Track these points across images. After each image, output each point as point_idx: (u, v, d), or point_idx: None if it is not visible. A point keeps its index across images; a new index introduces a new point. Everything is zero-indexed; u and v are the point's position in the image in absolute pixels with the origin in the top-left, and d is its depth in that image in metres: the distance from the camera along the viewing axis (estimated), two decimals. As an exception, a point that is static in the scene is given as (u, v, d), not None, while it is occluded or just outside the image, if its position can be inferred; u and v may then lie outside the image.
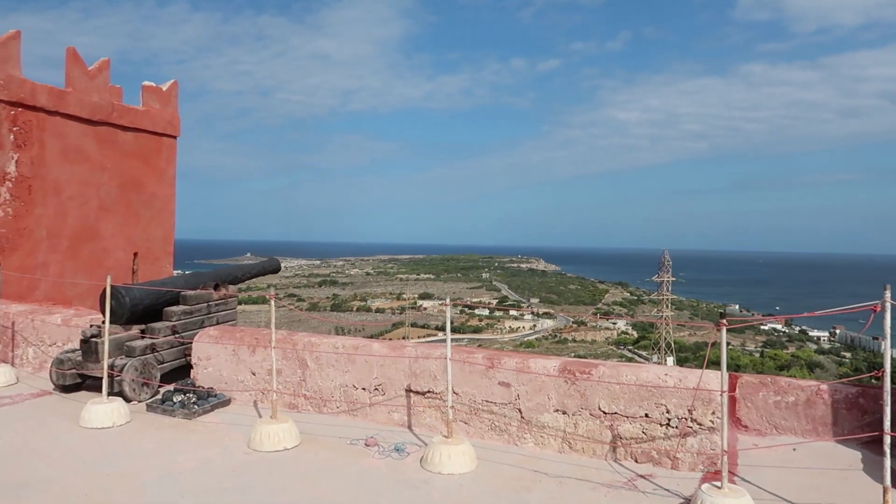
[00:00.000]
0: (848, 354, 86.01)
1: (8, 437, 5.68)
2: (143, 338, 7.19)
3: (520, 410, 5.61)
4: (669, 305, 77.48)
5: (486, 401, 5.74)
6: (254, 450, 5.44)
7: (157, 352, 7.15)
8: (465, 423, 5.81)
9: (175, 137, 11.72)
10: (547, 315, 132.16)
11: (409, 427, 6.03)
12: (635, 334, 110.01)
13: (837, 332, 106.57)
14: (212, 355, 6.97)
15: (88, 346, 6.92)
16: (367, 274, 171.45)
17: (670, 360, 74.55)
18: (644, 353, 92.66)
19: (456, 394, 5.86)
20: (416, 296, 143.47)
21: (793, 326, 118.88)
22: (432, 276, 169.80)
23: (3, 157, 8.92)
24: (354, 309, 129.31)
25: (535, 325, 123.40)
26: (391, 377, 6.13)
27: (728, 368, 4.69)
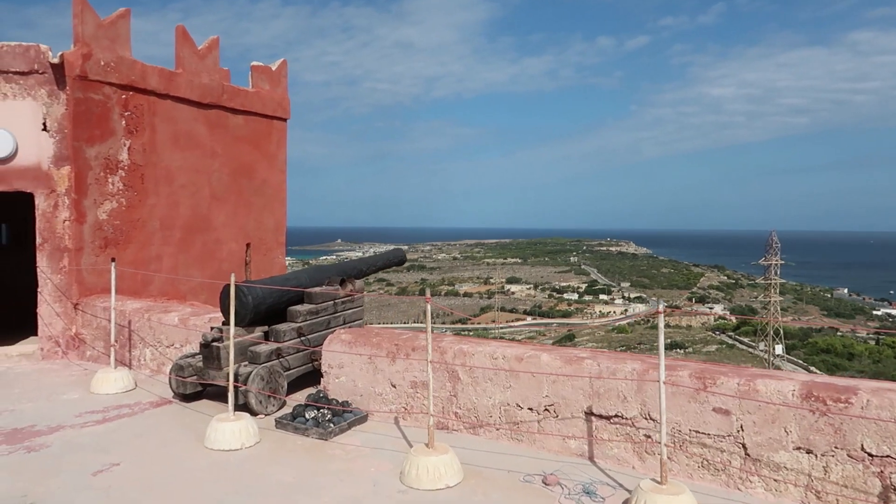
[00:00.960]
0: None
1: (129, 459, 4.96)
2: (267, 341, 6.40)
3: (743, 445, 4.37)
4: (778, 290, 72.61)
5: (696, 431, 4.53)
6: (409, 486, 4.47)
7: (283, 357, 6.34)
8: (668, 459, 4.62)
9: (285, 120, 11.01)
10: (639, 299, 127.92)
11: (591, 458, 4.91)
12: (734, 319, 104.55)
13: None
14: (345, 363, 6.08)
15: (210, 351, 6.18)
16: (454, 259, 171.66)
17: (779, 347, 70.12)
18: (746, 340, 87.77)
19: (654, 420, 4.68)
20: (504, 280, 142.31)
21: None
22: (519, 261, 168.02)
23: (115, 144, 8.38)
24: (443, 293, 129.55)
25: (626, 310, 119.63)
26: (566, 396, 5.02)
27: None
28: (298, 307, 6.63)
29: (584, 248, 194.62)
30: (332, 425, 5.47)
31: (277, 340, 6.36)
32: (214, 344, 6.15)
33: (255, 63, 10.63)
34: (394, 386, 5.81)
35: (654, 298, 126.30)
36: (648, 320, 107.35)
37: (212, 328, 6.42)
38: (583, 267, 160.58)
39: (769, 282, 72.06)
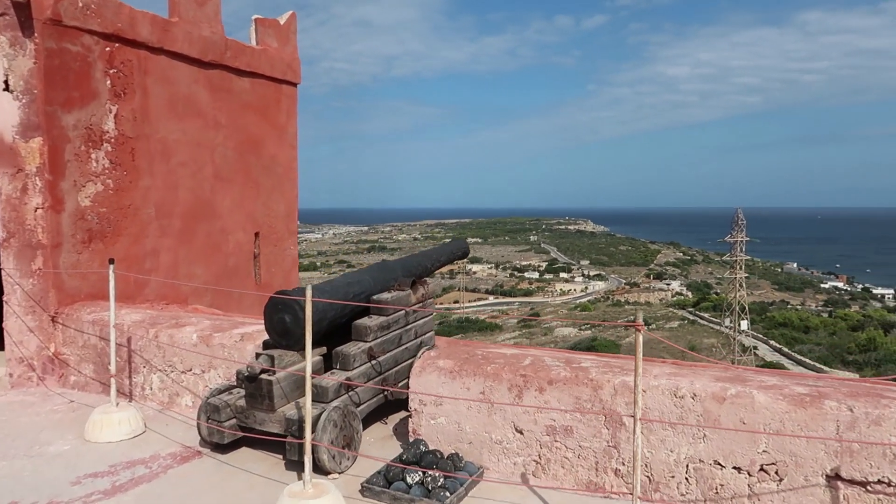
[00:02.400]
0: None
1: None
2: (333, 371, 4.81)
3: None
4: (743, 266, 73.26)
5: None
6: None
7: (352, 390, 4.77)
8: (964, 544, 3.26)
9: (296, 85, 9.25)
10: (598, 277, 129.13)
11: (839, 541, 3.51)
12: (690, 295, 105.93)
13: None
14: (444, 399, 4.53)
15: (258, 387, 4.55)
16: (415, 239, 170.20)
17: (744, 323, 70.84)
18: (706, 316, 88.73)
19: (942, 490, 3.30)
20: (466, 260, 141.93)
21: (855, 284, 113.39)
22: (480, 240, 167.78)
23: (98, 109, 6.56)
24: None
25: (586, 288, 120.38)
26: (796, 452, 3.59)
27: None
28: (366, 321, 5.04)
29: (544, 226, 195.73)
30: (447, 494, 3.93)
31: (345, 367, 4.78)
32: (264, 377, 4.53)
33: (257, 16, 8.84)
34: (520, 432, 4.30)
35: (613, 276, 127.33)
36: (609, 297, 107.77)
37: (257, 354, 4.77)
38: (542, 246, 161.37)
39: (735, 259, 72.53)
